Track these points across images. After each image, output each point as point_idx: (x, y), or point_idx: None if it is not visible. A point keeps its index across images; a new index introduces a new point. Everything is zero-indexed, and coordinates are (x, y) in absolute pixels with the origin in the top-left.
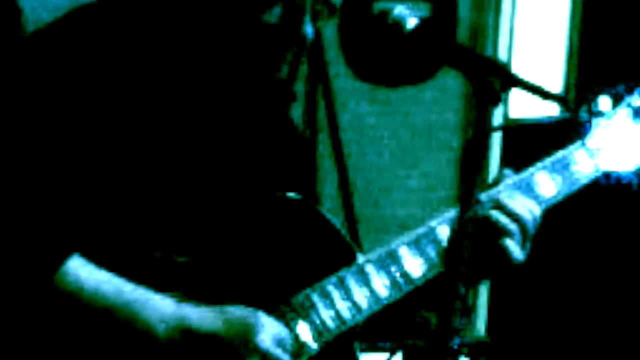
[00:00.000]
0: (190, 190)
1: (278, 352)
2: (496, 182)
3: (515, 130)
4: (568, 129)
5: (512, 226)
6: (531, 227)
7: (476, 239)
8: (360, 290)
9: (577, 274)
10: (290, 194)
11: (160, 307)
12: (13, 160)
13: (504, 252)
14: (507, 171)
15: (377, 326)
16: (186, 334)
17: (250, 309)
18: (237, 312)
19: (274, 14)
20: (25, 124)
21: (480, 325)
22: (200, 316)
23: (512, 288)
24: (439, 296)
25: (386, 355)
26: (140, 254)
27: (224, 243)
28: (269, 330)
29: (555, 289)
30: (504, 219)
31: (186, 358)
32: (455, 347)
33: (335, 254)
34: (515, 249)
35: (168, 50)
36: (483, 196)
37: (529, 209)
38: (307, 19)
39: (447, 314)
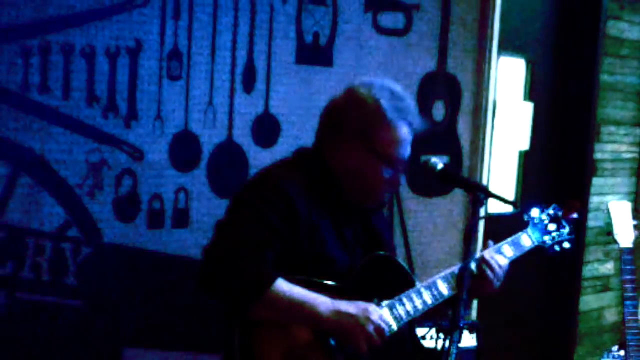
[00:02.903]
0: (333, 251)
1: (381, 323)
2: (483, 248)
3: (491, 219)
4: (518, 221)
5: (490, 273)
6: (502, 273)
7: (472, 277)
8: (418, 300)
9: (526, 291)
10: (381, 252)
11: (325, 300)
12: (255, 235)
13: (486, 285)
14: (490, 242)
15: (424, 316)
16: (337, 313)
17: (367, 302)
18: (361, 303)
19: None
20: (262, 222)
21: (473, 313)
22: (344, 304)
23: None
24: (454, 301)
25: (427, 329)
26: (313, 280)
27: (351, 276)
28: (376, 312)
29: (514, 299)
30: (487, 268)
31: (335, 325)
32: (461, 325)
33: (405, 282)
34: (491, 284)
35: (329, 190)
36: (477, 255)
37: (501, 263)
38: (402, 178)
39: (457, 309)
